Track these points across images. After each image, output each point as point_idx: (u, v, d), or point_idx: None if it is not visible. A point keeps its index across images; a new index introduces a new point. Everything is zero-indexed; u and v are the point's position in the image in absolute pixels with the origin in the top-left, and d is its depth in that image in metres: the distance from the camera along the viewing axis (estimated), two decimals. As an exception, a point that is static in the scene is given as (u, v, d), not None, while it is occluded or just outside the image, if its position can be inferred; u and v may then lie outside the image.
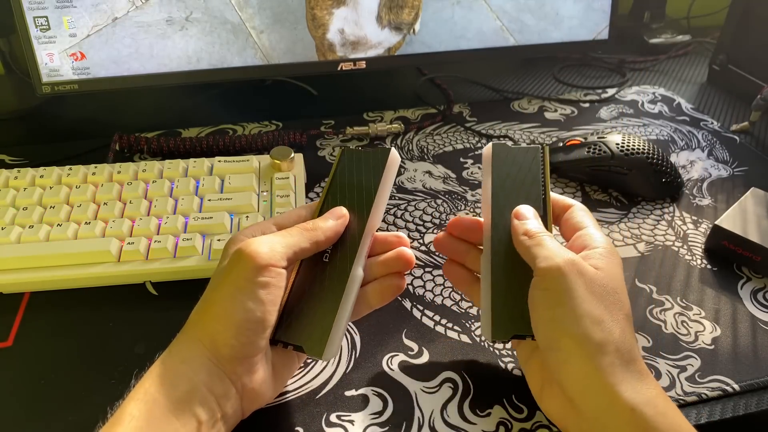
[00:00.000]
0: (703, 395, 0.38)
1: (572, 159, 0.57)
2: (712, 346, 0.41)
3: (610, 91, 0.74)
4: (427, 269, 0.48)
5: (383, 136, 0.64)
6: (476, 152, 0.62)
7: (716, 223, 0.48)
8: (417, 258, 0.48)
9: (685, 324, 0.43)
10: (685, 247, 0.50)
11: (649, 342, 0.42)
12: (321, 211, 0.37)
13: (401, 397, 0.38)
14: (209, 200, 0.48)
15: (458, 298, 0.45)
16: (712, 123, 0.68)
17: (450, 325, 0.43)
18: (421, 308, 0.44)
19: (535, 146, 0.39)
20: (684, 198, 0.56)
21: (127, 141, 0.60)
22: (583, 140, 0.58)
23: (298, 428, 0.36)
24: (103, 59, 0.57)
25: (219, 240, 0.45)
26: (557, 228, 0.38)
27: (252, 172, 0.52)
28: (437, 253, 0.49)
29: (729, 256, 0.48)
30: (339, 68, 0.63)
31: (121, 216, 0.47)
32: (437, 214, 0.53)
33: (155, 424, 0.28)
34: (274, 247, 0.32)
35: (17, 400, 0.37)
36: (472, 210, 0.54)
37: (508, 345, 0.41)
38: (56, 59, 0.56)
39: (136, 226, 0.46)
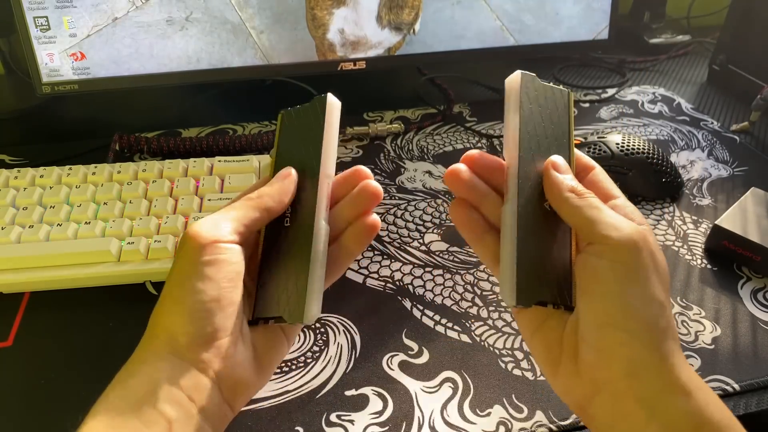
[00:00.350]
0: (703, 395, 0.38)
1: (572, 159, 0.57)
2: (712, 346, 0.41)
3: (610, 91, 0.74)
4: (427, 269, 0.48)
5: (383, 136, 0.64)
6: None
7: (716, 223, 0.48)
8: (417, 258, 0.48)
9: (685, 324, 0.43)
10: (685, 247, 0.50)
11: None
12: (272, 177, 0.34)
13: (401, 397, 0.38)
14: (209, 200, 0.48)
15: (458, 297, 0.45)
16: (712, 123, 0.68)
17: (450, 325, 0.43)
18: (421, 308, 0.44)
19: (562, 89, 0.34)
20: (684, 198, 0.56)
21: (127, 141, 0.60)
22: (583, 140, 0.58)
23: (298, 428, 0.36)
24: (103, 59, 0.57)
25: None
26: None
27: (252, 172, 0.52)
28: (437, 253, 0.49)
29: (729, 256, 0.48)
30: (339, 68, 0.63)
31: (121, 216, 0.47)
32: (437, 214, 0.53)
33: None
34: (217, 223, 0.31)
35: (17, 400, 0.37)
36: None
37: (508, 344, 0.41)
38: (56, 59, 0.56)
39: (136, 226, 0.46)
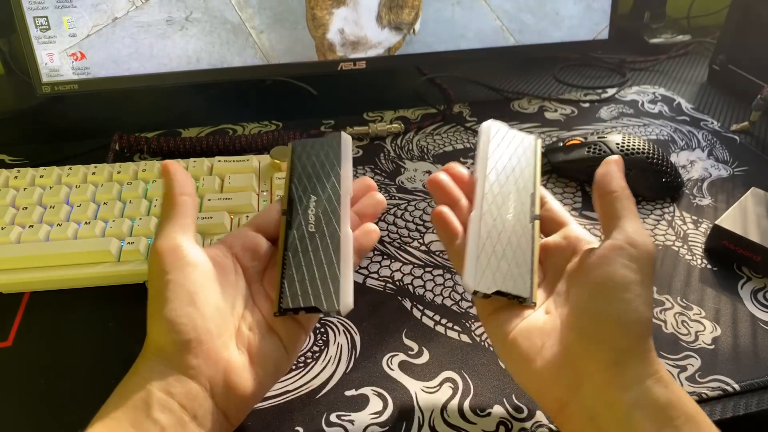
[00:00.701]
0: (703, 395, 0.38)
1: (572, 159, 0.57)
2: (713, 346, 0.41)
3: (610, 91, 0.74)
4: (427, 269, 0.48)
5: (383, 136, 0.64)
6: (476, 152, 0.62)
7: (716, 222, 0.48)
8: (417, 258, 0.48)
9: (685, 324, 0.43)
10: (685, 247, 0.50)
11: (649, 342, 0.42)
12: (289, 198, 0.37)
13: (401, 397, 0.38)
14: (209, 200, 0.49)
15: (458, 297, 0.45)
16: (712, 123, 0.68)
17: (450, 325, 0.43)
18: (421, 308, 0.44)
19: (531, 135, 0.41)
20: (684, 198, 0.56)
21: (127, 141, 0.60)
22: (583, 140, 0.58)
23: (298, 428, 0.36)
24: (103, 59, 0.57)
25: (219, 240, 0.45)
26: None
27: (252, 172, 0.52)
28: (437, 253, 0.49)
29: (729, 256, 0.48)
30: (339, 68, 0.63)
31: (121, 216, 0.47)
32: (437, 214, 0.53)
33: None
34: (171, 232, 0.32)
35: (17, 400, 0.37)
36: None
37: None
38: (56, 59, 0.56)
39: (136, 225, 0.46)
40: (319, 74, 0.67)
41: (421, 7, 0.62)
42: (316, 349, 0.41)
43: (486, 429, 0.36)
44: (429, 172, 0.59)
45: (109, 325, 0.42)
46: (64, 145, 0.62)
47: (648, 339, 0.31)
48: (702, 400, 0.38)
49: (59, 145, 0.62)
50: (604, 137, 0.57)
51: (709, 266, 0.48)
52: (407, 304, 0.45)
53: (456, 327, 0.43)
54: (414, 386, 0.38)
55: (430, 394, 0.38)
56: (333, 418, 0.36)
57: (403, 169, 0.59)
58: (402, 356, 0.40)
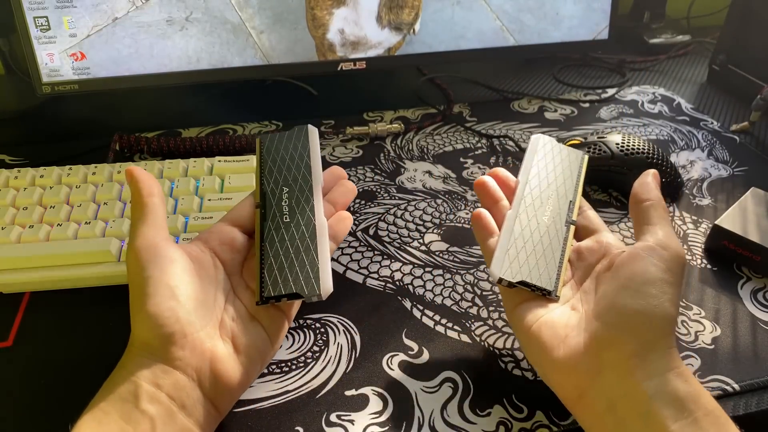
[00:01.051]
0: (703, 395, 0.38)
1: (572, 159, 0.57)
2: (712, 346, 0.41)
3: (610, 91, 0.74)
4: (427, 269, 0.48)
5: (383, 136, 0.64)
6: (476, 152, 0.62)
7: (716, 222, 0.48)
8: (417, 258, 0.48)
9: (685, 324, 0.43)
10: (685, 247, 0.50)
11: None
12: (261, 188, 0.39)
13: (401, 397, 0.38)
14: (209, 200, 0.49)
15: (458, 297, 0.45)
16: (712, 123, 0.68)
17: (450, 325, 0.43)
18: (421, 308, 0.44)
19: (579, 152, 0.44)
20: (684, 198, 0.56)
21: (127, 141, 0.60)
22: (583, 140, 0.58)
23: (298, 428, 0.36)
24: (103, 59, 0.57)
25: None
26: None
27: (252, 172, 0.52)
28: (437, 253, 0.49)
29: (729, 256, 0.48)
30: (339, 68, 0.63)
31: (121, 216, 0.47)
32: (437, 214, 0.53)
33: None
34: (145, 230, 0.34)
35: (17, 400, 0.37)
36: (472, 209, 0.54)
37: (508, 344, 0.41)
38: (56, 59, 0.56)
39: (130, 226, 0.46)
40: (319, 74, 0.67)
41: (421, 7, 0.62)
42: (316, 349, 0.41)
43: (486, 429, 0.36)
44: (429, 172, 0.59)
45: (109, 325, 0.42)
46: (64, 145, 0.62)
47: (671, 336, 0.32)
48: (702, 400, 0.38)
49: (59, 145, 0.62)
50: (604, 137, 0.57)
51: (709, 266, 0.48)
52: (407, 304, 0.45)
53: (456, 327, 0.43)
54: (414, 386, 0.38)
55: (430, 394, 0.38)
56: (333, 418, 0.36)
57: (403, 169, 0.59)
58: (402, 356, 0.40)
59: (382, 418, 0.36)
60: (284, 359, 0.40)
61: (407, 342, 0.42)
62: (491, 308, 0.44)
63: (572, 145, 0.58)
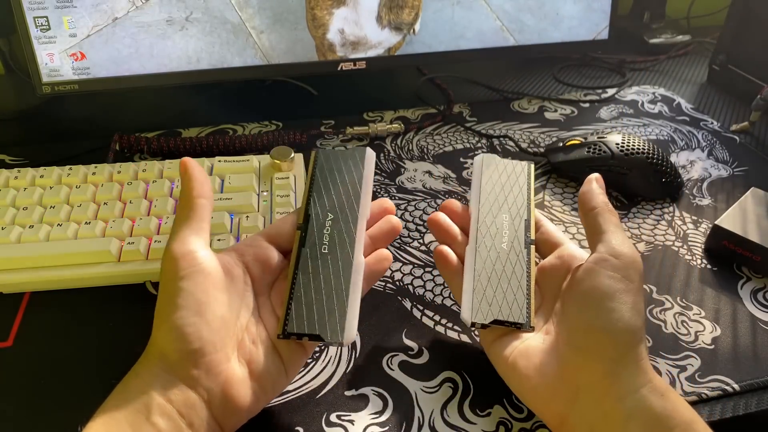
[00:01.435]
0: (703, 395, 0.38)
1: (572, 159, 0.57)
2: (712, 346, 0.41)
3: (610, 91, 0.74)
4: (427, 269, 0.48)
5: (383, 136, 0.64)
6: (476, 152, 0.62)
7: (716, 223, 0.48)
8: (417, 258, 0.48)
9: (685, 324, 0.43)
10: (685, 247, 0.50)
11: (649, 342, 0.42)
12: (306, 209, 0.37)
13: (401, 397, 0.38)
14: (209, 200, 0.48)
15: (458, 298, 0.45)
16: (712, 123, 0.68)
17: (450, 325, 0.43)
18: (421, 308, 0.44)
19: (523, 162, 0.43)
20: (684, 198, 0.56)
21: (127, 141, 0.60)
22: (583, 140, 0.58)
23: (298, 428, 0.36)
24: (103, 59, 0.57)
25: (219, 240, 0.45)
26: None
27: (252, 172, 0.52)
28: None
29: (729, 256, 0.48)
30: (339, 68, 0.63)
31: (121, 216, 0.47)
32: (437, 214, 0.53)
33: None
34: (185, 236, 0.32)
35: (17, 400, 0.37)
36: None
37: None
38: (56, 59, 0.56)
39: (136, 226, 0.46)
40: (319, 74, 0.67)
41: (421, 7, 0.62)
42: (316, 349, 0.41)
43: (486, 429, 0.36)
44: (429, 173, 0.59)
45: (109, 325, 0.42)
46: (64, 145, 0.62)
47: (638, 347, 0.32)
48: (702, 401, 0.38)
49: (59, 145, 0.62)
50: (604, 137, 0.57)
51: (708, 266, 0.48)
52: (407, 304, 0.45)
53: (456, 327, 0.43)
54: (414, 386, 0.38)
55: (430, 394, 0.38)
56: (333, 418, 0.36)
57: (403, 169, 0.59)
58: (402, 356, 0.40)
59: (382, 418, 0.36)
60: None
61: (407, 342, 0.42)
62: (491, 308, 0.44)
63: (572, 146, 0.58)
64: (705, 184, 0.58)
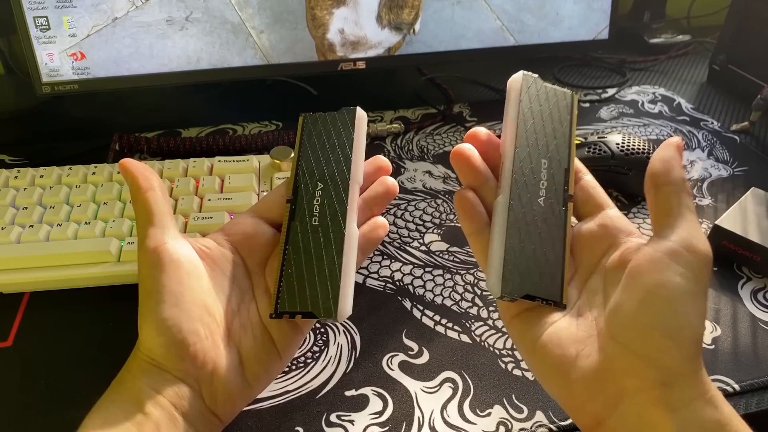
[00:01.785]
0: (703, 395, 0.38)
1: (572, 159, 0.57)
2: (712, 346, 0.41)
3: (610, 91, 0.74)
4: (427, 269, 0.48)
5: (383, 136, 0.64)
6: (476, 152, 0.62)
7: (716, 223, 0.48)
8: (417, 258, 0.48)
9: (685, 324, 0.43)
10: (685, 247, 0.50)
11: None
12: (295, 180, 0.35)
13: (401, 397, 0.38)
14: (209, 200, 0.48)
15: (458, 297, 0.45)
16: (712, 123, 0.68)
17: (450, 325, 0.43)
18: (421, 308, 0.44)
19: (566, 90, 0.35)
20: (684, 198, 0.56)
21: (127, 141, 0.60)
22: (583, 140, 0.58)
23: (298, 428, 0.36)
24: (103, 59, 0.57)
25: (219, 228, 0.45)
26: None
27: (252, 171, 0.52)
28: (437, 253, 0.49)
29: (729, 256, 0.48)
30: (339, 68, 0.63)
31: (121, 216, 0.47)
32: (437, 214, 0.53)
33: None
34: (154, 230, 0.32)
35: (17, 400, 0.37)
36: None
37: (508, 344, 0.41)
38: (56, 59, 0.56)
39: (136, 226, 0.46)
40: (319, 74, 0.67)
41: (421, 7, 0.62)
42: (316, 349, 0.41)
43: (486, 429, 0.36)
44: (429, 172, 0.59)
45: (109, 325, 0.42)
46: (64, 145, 0.62)
47: (699, 358, 0.28)
48: (702, 400, 0.38)
49: (59, 145, 0.62)
50: (604, 137, 0.57)
51: (709, 266, 0.48)
52: (407, 304, 0.45)
53: (456, 327, 0.43)
54: (414, 386, 0.38)
55: (430, 394, 0.38)
56: (333, 418, 0.36)
57: (403, 169, 0.59)
58: (402, 356, 0.40)
59: (382, 418, 0.36)
60: (284, 359, 0.40)
61: (407, 342, 0.42)
62: (491, 308, 0.44)
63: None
64: (705, 184, 0.58)
